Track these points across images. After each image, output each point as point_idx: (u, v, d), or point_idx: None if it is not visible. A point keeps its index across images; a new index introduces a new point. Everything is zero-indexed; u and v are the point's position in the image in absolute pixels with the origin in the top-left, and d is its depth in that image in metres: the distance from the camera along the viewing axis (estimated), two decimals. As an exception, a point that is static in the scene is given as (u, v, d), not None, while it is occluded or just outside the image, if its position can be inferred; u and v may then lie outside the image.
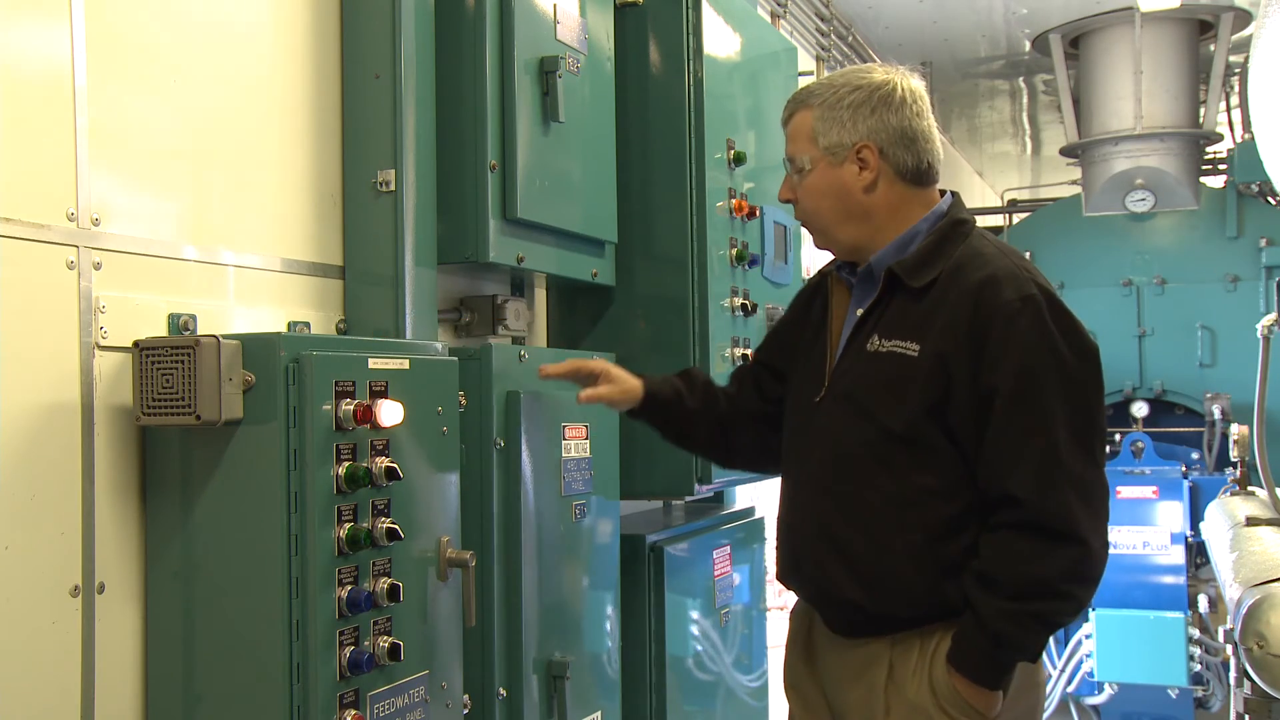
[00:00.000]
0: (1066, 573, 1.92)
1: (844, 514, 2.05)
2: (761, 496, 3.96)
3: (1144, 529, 5.84)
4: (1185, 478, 6.00)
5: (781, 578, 2.26)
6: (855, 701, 2.08)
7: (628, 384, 2.32)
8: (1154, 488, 5.88)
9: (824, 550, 2.08)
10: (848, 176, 2.06)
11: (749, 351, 2.93)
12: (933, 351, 1.96)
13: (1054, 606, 1.94)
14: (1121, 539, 5.82)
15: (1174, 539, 5.84)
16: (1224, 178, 7.05)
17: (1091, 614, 5.80)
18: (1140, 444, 6.21)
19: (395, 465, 1.91)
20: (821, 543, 2.08)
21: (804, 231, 2.54)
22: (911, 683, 2.01)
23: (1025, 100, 7.97)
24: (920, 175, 2.08)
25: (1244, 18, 6.30)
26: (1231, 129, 7.32)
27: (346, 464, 1.85)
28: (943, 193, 2.14)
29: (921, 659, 2.01)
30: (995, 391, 1.92)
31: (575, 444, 2.47)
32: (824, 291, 2.22)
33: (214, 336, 1.78)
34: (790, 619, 2.29)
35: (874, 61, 6.56)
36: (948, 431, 1.97)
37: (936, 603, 2.00)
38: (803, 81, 3.63)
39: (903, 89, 2.06)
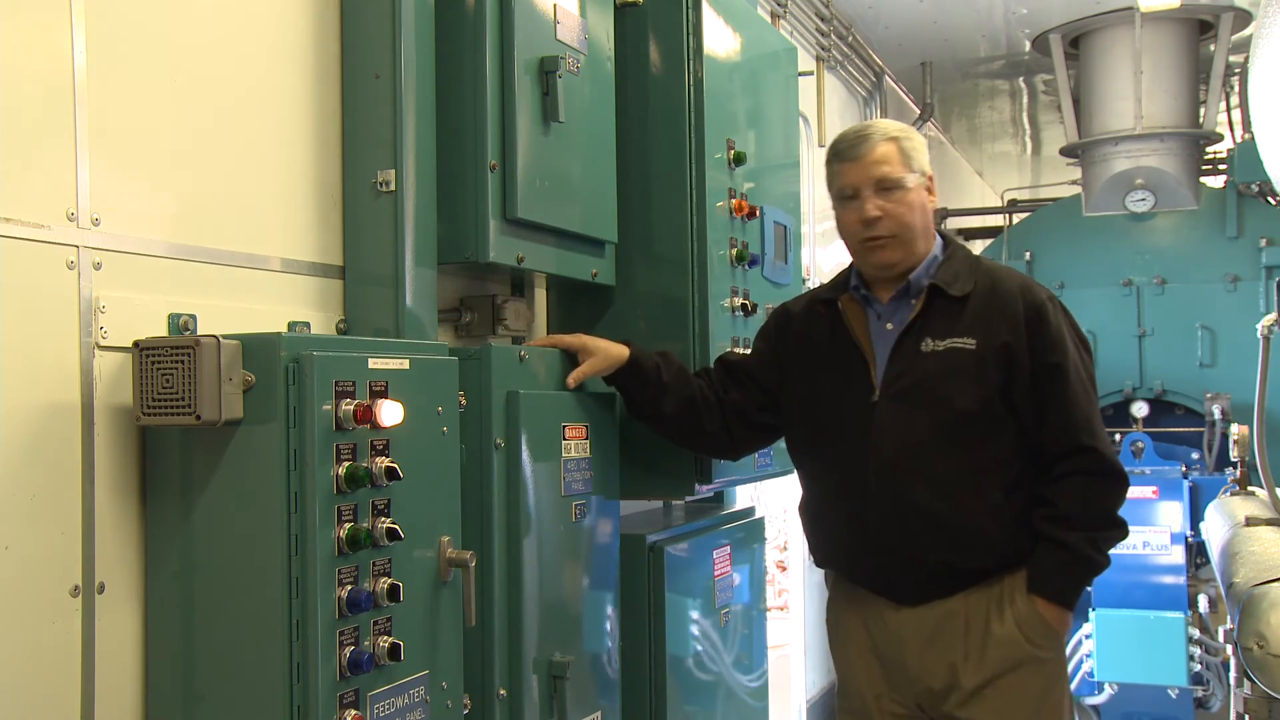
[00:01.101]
0: (1120, 504, 2.44)
1: (928, 488, 2.41)
2: (763, 496, 3.96)
3: (1144, 529, 5.83)
4: (1185, 478, 5.99)
5: (828, 562, 2.63)
6: (932, 660, 2.44)
7: (610, 353, 2.57)
8: (1154, 488, 5.88)
9: (911, 523, 2.42)
10: (927, 199, 2.50)
11: (749, 352, 2.93)
12: (996, 343, 2.39)
13: (1118, 533, 2.44)
14: (1121, 539, 5.81)
15: (1174, 539, 5.83)
16: (1224, 178, 7.04)
17: (1091, 614, 5.80)
18: (1140, 444, 6.21)
19: (395, 465, 1.91)
20: (906, 518, 2.42)
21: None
22: (995, 623, 2.41)
23: (1025, 100, 7.97)
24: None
25: (1244, 18, 6.30)
26: (1231, 129, 7.32)
27: (346, 464, 1.85)
28: None
29: (998, 603, 2.42)
30: (1059, 367, 2.39)
31: (575, 444, 2.47)
32: (828, 318, 2.55)
33: (214, 336, 1.78)
34: (832, 602, 2.67)
35: (875, 61, 6.56)
36: (1010, 406, 2.40)
37: (1010, 552, 2.42)
38: (803, 81, 3.65)
39: None
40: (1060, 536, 2.37)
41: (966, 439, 2.40)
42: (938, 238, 2.54)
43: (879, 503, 2.44)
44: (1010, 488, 2.41)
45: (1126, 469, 2.46)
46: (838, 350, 2.52)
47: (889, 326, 2.47)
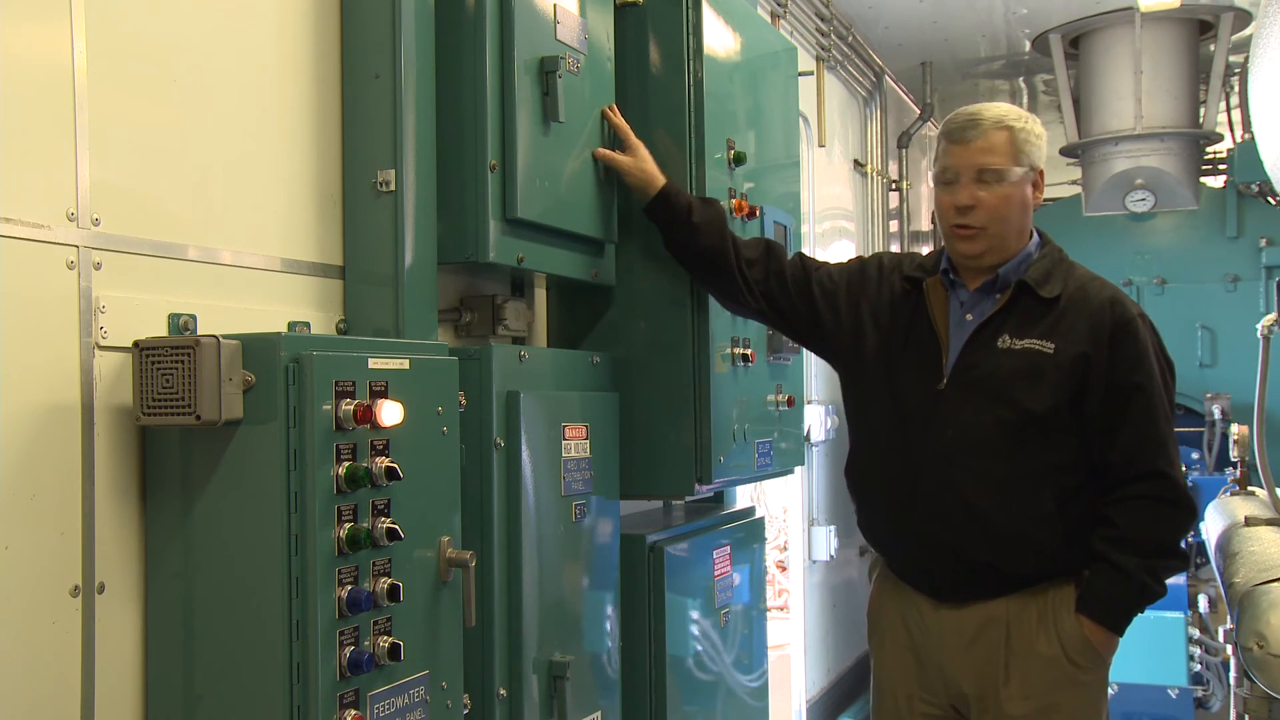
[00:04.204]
0: (1184, 535, 2.40)
1: (979, 485, 2.38)
2: (763, 497, 3.96)
3: (1144, 529, 5.81)
4: (1185, 478, 5.99)
5: (873, 544, 2.66)
6: (972, 662, 2.42)
7: (650, 169, 2.62)
8: (1154, 487, 5.86)
9: (958, 518, 2.39)
10: (1030, 195, 2.44)
11: (749, 351, 2.93)
12: (1074, 351, 2.34)
13: (1178, 564, 2.39)
14: (1121, 539, 5.79)
15: (1174, 539, 5.83)
16: (1224, 178, 7.05)
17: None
18: (1140, 444, 6.19)
19: (395, 465, 1.91)
20: (953, 512, 2.39)
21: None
22: (1039, 639, 2.37)
23: (1025, 100, 7.97)
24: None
25: (1244, 18, 6.30)
26: (1231, 129, 7.32)
27: (346, 464, 1.85)
28: None
29: (1043, 618, 2.38)
30: (1140, 387, 2.34)
31: (575, 444, 2.47)
32: (913, 296, 2.53)
33: (214, 336, 1.78)
34: (875, 595, 2.67)
35: (875, 62, 6.56)
36: (1078, 417, 2.36)
37: (1057, 562, 2.39)
38: (803, 81, 3.65)
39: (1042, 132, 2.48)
40: (1117, 559, 2.33)
41: (1027, 442, 2.36)
42: (1035, 235, 2.50)
43: (928, 493, 2.42)
44: (1065, 498, 2.37)
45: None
46: (915, 331, 2.50)
47: (969, 317, 2.45)
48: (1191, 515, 2.39)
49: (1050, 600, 2.38)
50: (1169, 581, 2.41)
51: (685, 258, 2.69)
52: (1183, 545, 2.40)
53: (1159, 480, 2.34)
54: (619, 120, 2.65)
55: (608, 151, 2.62)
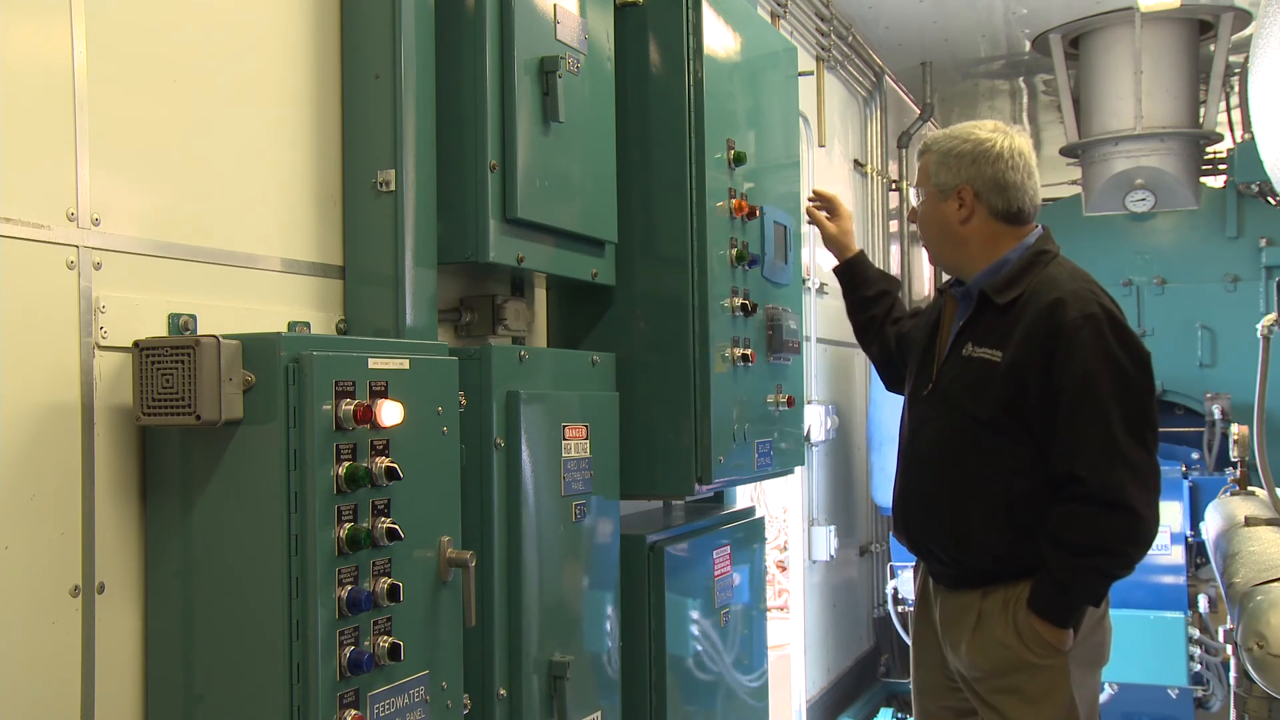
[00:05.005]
0: (1120, 535, 2.38)
1: (940, 486, 2.58)
2: (763, 497, 3.96)
3: (1144, 529, 5.80)
4: (1185, 478, 5.98)
5: (897, 535, 2.83)
6: (955, 641, 2.59)
7: (848, 240, 3.09)
8: (1154, 488, 5.85)
9: (926, 516, 2.62)
10: (948, 211, 2.61)
11: (749, 351, 2.94)
12: (1011, 360, 2.45)
13: (1110, 562, 2.41)
14: (1121, 539, 5.79)
15: (1174, 539, 5.81)
16: (1224, 178, 7.04)
17: (1092, 614, 5.78)
18: (1140, 444, 6.18)
19: (395, 465, 1.91)
20: (924, 509, 2.62)
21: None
22: (999, 626, 2.49)
23: (1025, 100, 7.97)
24: (1011, 216, 2.60)
25: (1244, 18, 6.29)
26: (1231, 129, 7.30)
27: (346, 464, 1.85)
28: (1036, 226, 2.65)
29: (1006, 607, 2.49)
30: (1062, 392, 2.39)
31: (575, 444, 2.47)
32: (939, 304, 2.74)
33: (214, 336, 1.78)
34: (916, 569, 2.87)
35: (875, 62, 6.56)
36: (1025, 423, 2.45)
37: (1016, 561, 2.48)
38: (803, 81, 3.65)
39: (1001, 146, 2.57)
40: (1047, 558, 2.42)
41: (980, 447, 2.51)
42: (1025, 243, 2.58)
43: (911, 493, 2.67)
44: (1017, 500, 2.47)
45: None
46: (932, 336, 2.71)
47: (960, 323, 2.61)
48: (1119, 512, 2.34)
49: (1017, 592, 2.48)
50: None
51: (852, 316, 3.06)
52: (1121, 545, 2.37)
53: (1077, 483, 2.37)
54: (828, 193, 3.12)
55: (820, 215, 3.09)
